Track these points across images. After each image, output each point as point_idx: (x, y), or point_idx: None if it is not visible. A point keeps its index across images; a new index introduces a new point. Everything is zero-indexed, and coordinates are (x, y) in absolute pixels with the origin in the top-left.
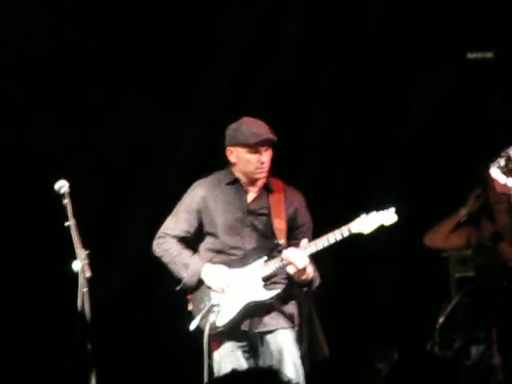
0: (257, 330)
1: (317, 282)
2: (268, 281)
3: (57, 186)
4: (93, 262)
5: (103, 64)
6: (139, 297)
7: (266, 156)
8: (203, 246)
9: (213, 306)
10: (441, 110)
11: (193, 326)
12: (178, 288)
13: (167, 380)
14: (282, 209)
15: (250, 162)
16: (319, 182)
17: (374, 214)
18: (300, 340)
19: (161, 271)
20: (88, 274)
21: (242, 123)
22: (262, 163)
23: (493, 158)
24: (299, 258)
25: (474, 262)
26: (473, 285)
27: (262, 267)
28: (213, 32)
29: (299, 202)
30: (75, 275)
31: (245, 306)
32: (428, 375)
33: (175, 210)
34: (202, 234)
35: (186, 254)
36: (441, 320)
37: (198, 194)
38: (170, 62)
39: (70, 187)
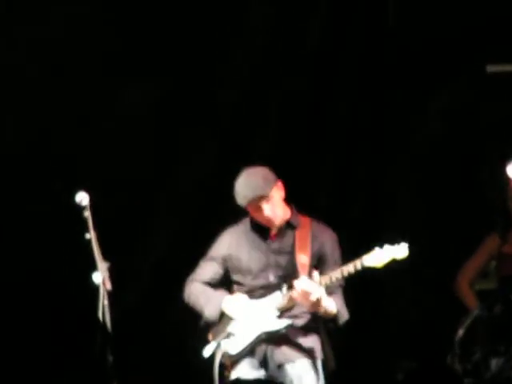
0: (275, 362)
1: (344, 318)
2: (284, 312)
3: (78, 198)
4: (112, 274)
5: (123, 77)
6: (157, 309)
7: (269, 209)
8: (235, 291)
9: (229, 334)
10: (458, 123)
11: (207, 353)
12: (201, 324)
13: None
14: (306, 244)
15: (257, 217)
16: (336, 194)
17: (387, 247)
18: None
19: (179, 285)
20: (109, 286)
21: (237, 182)
22: (266, 215)
23: None
24: (310, 288)
25: (498, 273)
26: (492, 297)
27: (279, 298)
28: (228, 44)
29: (327, 236)
30: (96, 287)
31: (257, 337)
32: None
33: (203, 258)
34: (230, 281)
35: (209, 291)
36: (460, 333)
37: (224, 243)
38: (185, 74)
39: (91, 199)
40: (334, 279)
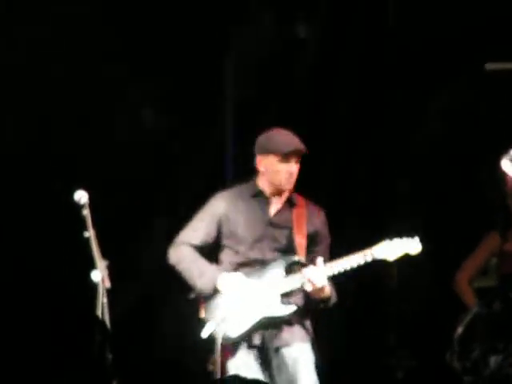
0: (272, 345)
1: (333, 300)
2: (285, 297)
3: (76, 196)
4: (111, 274)
5: (126, 75)
6: (156, 309)
7: (296, 167)
8: (225, 259)
9: (228, 315)
10: (457, 122)
11: (205, 334)
12: (191, 296)
13: None
14: (303, 225)
15: (279, 171)
16: (336, 194)
17: (397, 240)
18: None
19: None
20: (108, 284)
21: (275, 133)
22: (291, 174)
23: None
24: (319, 277)
25: (498, 270)
26: (491, 294)
27: (281, 282)
28: (227, 43)
29: (320, 220)
30: (95, 285)
31: (260, 320)
32: None
33: (194, 219)
34: (219, 245)
35: (202, 262)
36: (459, 330)
37: (219, 205)
38: (190, 73)
39: (89, 198)
40: (341, 269)
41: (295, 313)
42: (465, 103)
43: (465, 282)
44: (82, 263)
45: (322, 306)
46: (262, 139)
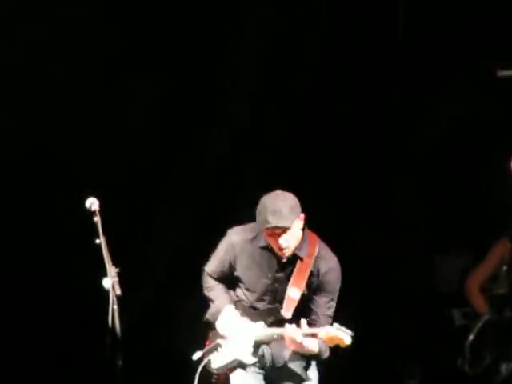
0: (279, 365)
1: (325, 355)
2: (260, 346)
3: (87, 203)
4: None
5: (132, 78)
6: (166, 313)
7: (285, 240)
8: (235, 287)
9: (217, 345)
10: (460, 123)
11: (196, 357)
12: (204, 319)
13: None
14: (303, 278)
15: (271, 243)
16: (336, 193)
17: (335, 327)
18: None
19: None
20: (118, 291)
21: (263, 202)
22: (280, 245)
23: None
24: (293, 337)
25: (508, 278)
26: (502, 302)
27: (260, 331)
28: (228, 44)
29: (329, 270)
30: (106, 292)
31: (231, 362)
32: None
33: (214, 252)
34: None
35: (217, 290)
36: (471, 337)
37: (231, 245)
38: (194, 72)
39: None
40: (314, 332)
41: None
42: (467, 103)
43: (475, 288)
44: (94, 270)
45: (312, 358)
46: (258, 206)
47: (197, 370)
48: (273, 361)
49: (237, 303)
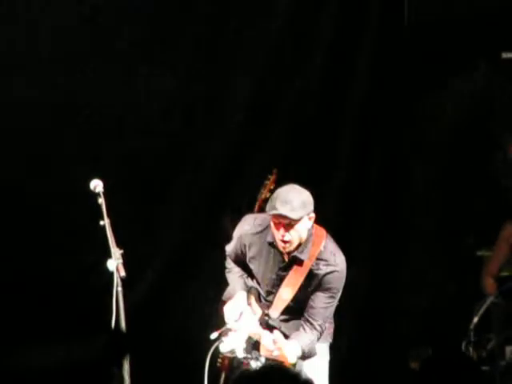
0: None
1: (312, 355)
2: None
3: (92, 185)
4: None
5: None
6: (170, 299)
7: (288, 233)
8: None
9: (227, 329)
10: (474, 110)
11: (213, 337)
12: (223, 297)
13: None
14: (298, 279)
15: (273, 231)
16: (349, 190)
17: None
18: None
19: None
20: (122, 273)
21: (279, 191)
22: (282, 237)
23: None
24: (267, 345)
25: None
26: (507, 285)
27: (253, 326)
28: (239, 40)
29: (329, 273)
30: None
31: (230, 351)
32: (457, 376)
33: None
34: None
35: (233, 273)
36: (475, 320)
37: (244, 235)
38: (197, 71)
39: (104, 186)
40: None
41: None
42: (480, 90)
43: (492, 283)
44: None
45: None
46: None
47: (205, 351)
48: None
49: (251, 289)
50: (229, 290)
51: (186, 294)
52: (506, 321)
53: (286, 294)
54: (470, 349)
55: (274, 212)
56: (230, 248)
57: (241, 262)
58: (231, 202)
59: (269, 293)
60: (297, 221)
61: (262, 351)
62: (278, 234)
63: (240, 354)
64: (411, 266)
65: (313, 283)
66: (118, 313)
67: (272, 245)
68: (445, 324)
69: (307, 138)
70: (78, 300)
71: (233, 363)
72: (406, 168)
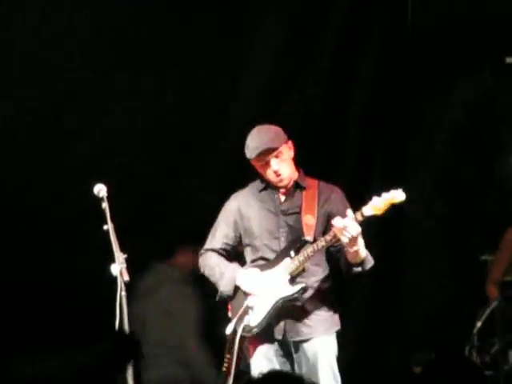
0: (291, 339)
1: (370, 263)
2: (296, 277)
3: (95, 189)
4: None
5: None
6: None
7: (277, 163)
8: (247, 257)
9: (247, 307)
10: (478, 115)
11: (229, 330)
12: (217, 298)
13: None
14: (313, 204)
15: (264, 174)
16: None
17: (384, 194)
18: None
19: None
20: (126, 277)
21: (248, 136)
22: (275, 172)
23: None
24: (350, 224)
25: None
26: (511, 289)
27: (289, 264)
28: (243, 42)
29: (335, 198)
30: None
31: (274, 304)
32: (460, 381)
33: (213, 226)
34: (242, 245)
35: (223, 264)
36: (479, 324)
37: (232, 206)
38: (201, 75)
39: (108, 191)
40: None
41: (313, 303)
42: (484, 94)
43: (496, 289)
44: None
45: (359, 269)
46: (245, 144)
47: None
48: (284, 334)
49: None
50: (227, 277)
51: None
52: (510, 325)
53: (309, 220)
54: (474, 353)
55: (257, 151)
56: (213, 242)
57: (229, 251)
58: None
59: (269, 239)
60: (280, 150)
61: (347, 240)
62: (270, 172)
63: (289, 291)
64: (414, 271)
65: (326, 208)
66: (122, 317)
67: (266, 188)
68: (448, 329)
69: (310, 144)
70: (81, 305)
71: (239, 367)
72: (409, 171)
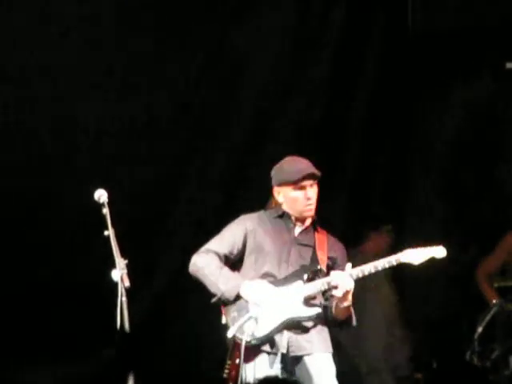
0: (293, 354)
1: (354, 321)
2: (308, 300)
3: (96, 195)
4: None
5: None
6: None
7: (312, 191)
8: (248, 273)
9: (251, 317)
10: (478, 120)
11: (230, 334)
12: (213, 300)
13: None
14: (324, 246)
15: (297, 199)
16: (356, 194)
17: (422, 249)
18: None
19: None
20: (127, 283)
21: (285, 162)
22: (309, 199)
23: None
24: (345, 280)
25: None
26: (511, 294)
27: (303, 287)
28: (247, 40)
29: (340, 249)
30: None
31: (284, 321)
32: None
33: (222, 231)
34: (241, 260)
35: (227, 270)
36: (479, 330)
37: (246, 221)
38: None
39: (109, 197)
40: (366, 273)
41: (317, 323)
42: (484, 99)
43: (484, 278)
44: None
45: (343, 326)
46: (275, 171)
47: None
48: (288, 348)
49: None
50: (232, 281)
51: (189, 303)
52: (510, 330)
53: (322, 256)
54: (475, 359)
55: (302, 174)
56: (216, 245)
57: (229, 261)
58: (237, 214)
59: (280, 264)
60: (317, 182)
61: (339, 294)
62: (303, 198)
63: (305, 312)
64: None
65: (333, 253)
66: (123, 323)
67: (282, 216)
68: (449, 334)
69: (312, 148)
70: (81, 311)
71: (240, 374)
72: (410, 177)
